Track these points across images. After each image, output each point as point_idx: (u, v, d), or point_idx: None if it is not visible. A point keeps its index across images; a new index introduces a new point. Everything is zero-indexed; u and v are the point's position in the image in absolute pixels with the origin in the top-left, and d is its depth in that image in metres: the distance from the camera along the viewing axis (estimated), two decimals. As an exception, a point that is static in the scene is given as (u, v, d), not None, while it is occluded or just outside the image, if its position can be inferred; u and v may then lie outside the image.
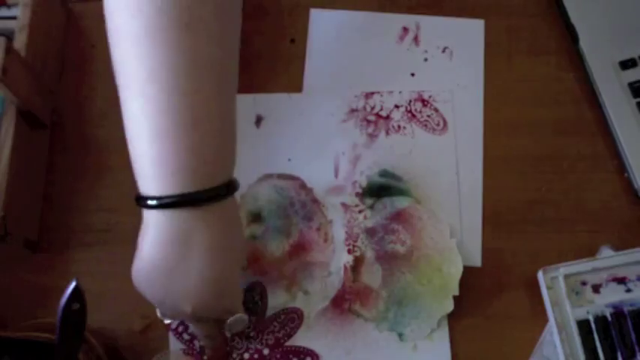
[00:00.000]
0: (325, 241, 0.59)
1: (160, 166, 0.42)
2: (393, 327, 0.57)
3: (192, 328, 0.55)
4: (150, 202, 0.43)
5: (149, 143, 0.42)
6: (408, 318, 0.57)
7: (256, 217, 0.60)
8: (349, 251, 0.59)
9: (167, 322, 0.55)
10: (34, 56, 0.60)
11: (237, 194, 0.47)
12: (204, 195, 0.43)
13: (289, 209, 0.60)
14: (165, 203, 0.42)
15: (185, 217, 0.43)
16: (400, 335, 0.57)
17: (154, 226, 0.44)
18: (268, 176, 0.61)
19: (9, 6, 0.61)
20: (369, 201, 0.60)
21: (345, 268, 0.58)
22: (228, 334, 0.54)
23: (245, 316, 0.51)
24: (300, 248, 0.59)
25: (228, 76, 0.46)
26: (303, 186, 0.61)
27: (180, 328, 0.57)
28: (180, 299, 0.45)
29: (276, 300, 0.58)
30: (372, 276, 0.58)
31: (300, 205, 0.60)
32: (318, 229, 0.59)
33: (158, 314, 0.51)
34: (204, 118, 0.43)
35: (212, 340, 0.53)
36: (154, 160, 0.42)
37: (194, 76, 0.42)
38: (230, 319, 0.50)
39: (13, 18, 0.60)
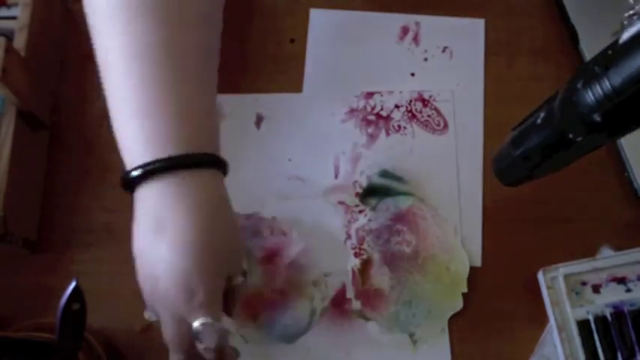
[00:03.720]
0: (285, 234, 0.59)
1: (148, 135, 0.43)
2: (404, 328, 0.57)
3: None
4: (135, 173, 0.42)
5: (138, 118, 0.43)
6: (419, 318, 0.57)
7: None
8: (356, 254, 0.59)
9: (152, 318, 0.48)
10: (34, 56, 0.60)
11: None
12: (191, 159, 0.42)
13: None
14: (151, 169, 0.42)
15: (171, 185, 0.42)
16: (411, 335, 0.56)
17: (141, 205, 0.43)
18: None
19: (9, 6, 0.61)
20: (372, 201, 0.60)
21: (354, 271, 0.58)
22: (200, 346, 0.43)
23: (224, 326, 0.43)
24: (273, 256, 0.59)
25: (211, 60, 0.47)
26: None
27: None
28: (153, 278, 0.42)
29: (300, 312, 0.57)
30: (381, 278, 0.58)
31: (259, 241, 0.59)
32: (284, 233, 0.59)
33: (146, 315, 0.47)
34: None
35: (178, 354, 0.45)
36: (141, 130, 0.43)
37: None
38: (197, 324, 0.42)
39: (13, 18, 0.60)
